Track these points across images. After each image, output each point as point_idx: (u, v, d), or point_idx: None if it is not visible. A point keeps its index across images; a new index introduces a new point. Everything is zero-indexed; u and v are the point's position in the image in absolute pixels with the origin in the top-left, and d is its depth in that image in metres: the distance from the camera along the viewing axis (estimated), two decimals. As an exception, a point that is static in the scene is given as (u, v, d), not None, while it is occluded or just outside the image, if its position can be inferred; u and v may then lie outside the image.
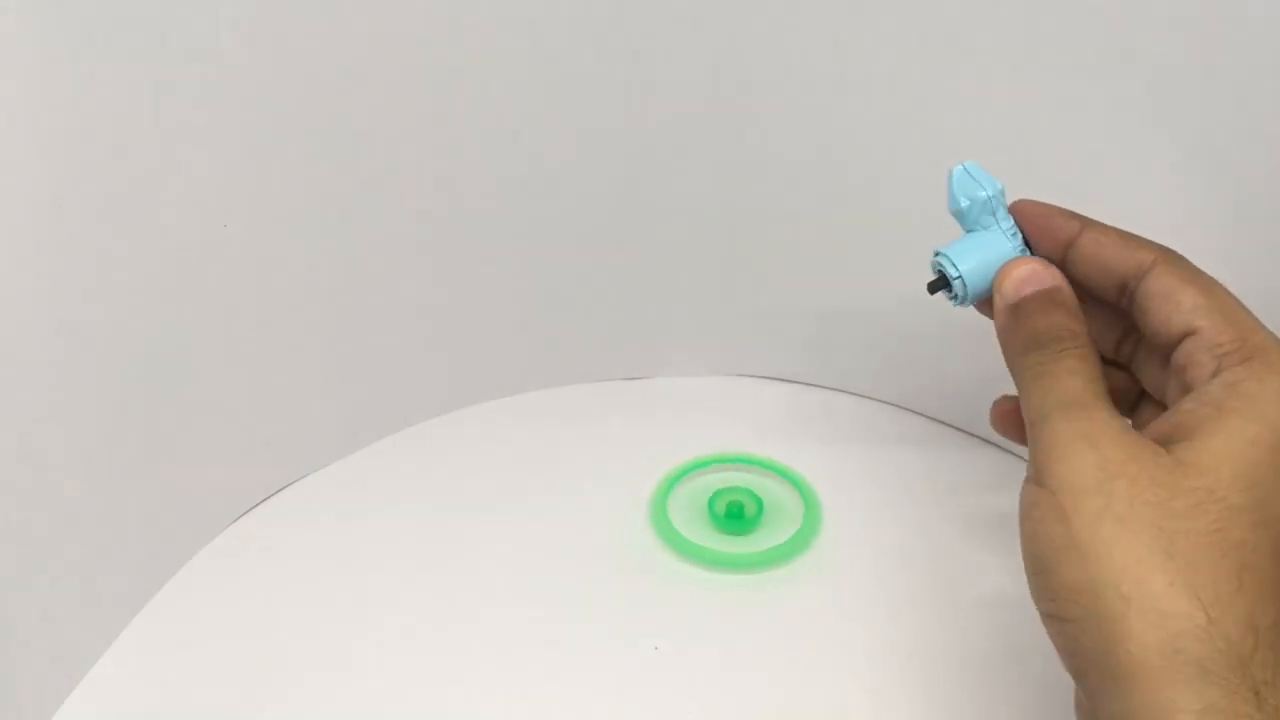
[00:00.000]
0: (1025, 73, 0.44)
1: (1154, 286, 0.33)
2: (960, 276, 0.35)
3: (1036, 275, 0.34)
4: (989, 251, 0.35)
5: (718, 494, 0.50)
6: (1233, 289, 0.33)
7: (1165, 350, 0.33)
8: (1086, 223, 0.35)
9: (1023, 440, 0.36)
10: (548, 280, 0.55)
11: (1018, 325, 0.34)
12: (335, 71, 0.45)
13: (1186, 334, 0.32)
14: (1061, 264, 0.35)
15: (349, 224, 0.48)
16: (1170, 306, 0.32)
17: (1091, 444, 0.29)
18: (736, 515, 0.49)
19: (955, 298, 0.36)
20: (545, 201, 0.52)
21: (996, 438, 0.54)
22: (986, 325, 0.52)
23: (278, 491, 0.52)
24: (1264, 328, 0.31)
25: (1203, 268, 0.34)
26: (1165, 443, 0.29)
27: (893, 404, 0.57)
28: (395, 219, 0.50)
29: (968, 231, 0.36)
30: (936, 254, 0.36)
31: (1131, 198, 0.44)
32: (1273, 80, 0.39)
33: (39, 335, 0.39)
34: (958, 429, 0.55)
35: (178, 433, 0.46)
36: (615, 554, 0.49)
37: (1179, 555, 0.27)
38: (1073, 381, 0.31)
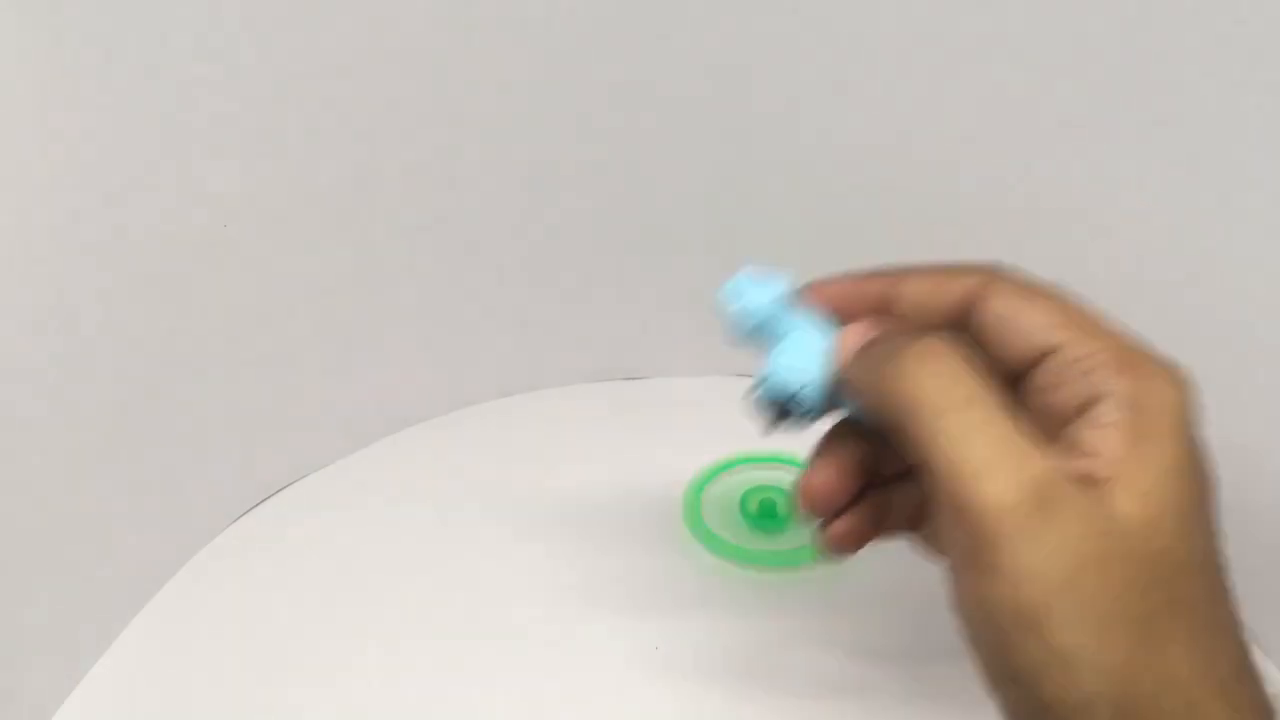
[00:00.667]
0: (1027, 70, 0.44)
1: (992, 310, 0.29)
2: (805, 386, 0.30)
3: (877, 323, 0.30)
4: (811, 347, 0.30)
5: (749, 492, 0.50)
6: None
7: (1020, 377, 0.29)
8: (895, 276, 0.31)
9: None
10: (548, 280, 0.55)
11: (870, 352, 0.29)
12: (335, 72, 0.45)
13: (1045, 354, 0.28)
14: None
15: (349, 224, 0.48)
16: (1015, 329, 0.28)
17: (1046, 514, 0.25)
18: (769, 513, 0.49)
19: (806, 414, 0.30)
20: (545, 201, 0.52)
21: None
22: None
23: (278, 491, 0.52)
24: (1126, 331, 0.28)
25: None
26: (1086, 484, 0.26)
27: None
28: (395, 219, 0.50)
29: (774, 346, 0.31)
30: (757, 385, 0.31)
31: (1136, 199, 0.44)
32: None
33: (40, 336, 0.39)
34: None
35: (178, 433, 0.46)
36: (618, 553, 0.49)
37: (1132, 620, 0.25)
38: (981, 393, 0.26)
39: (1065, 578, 0.24)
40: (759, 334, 0.31)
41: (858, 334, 0.30)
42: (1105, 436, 0.26)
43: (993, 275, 0.30)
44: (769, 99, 0.49)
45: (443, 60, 0.47)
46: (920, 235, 0.50)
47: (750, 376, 0.58)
